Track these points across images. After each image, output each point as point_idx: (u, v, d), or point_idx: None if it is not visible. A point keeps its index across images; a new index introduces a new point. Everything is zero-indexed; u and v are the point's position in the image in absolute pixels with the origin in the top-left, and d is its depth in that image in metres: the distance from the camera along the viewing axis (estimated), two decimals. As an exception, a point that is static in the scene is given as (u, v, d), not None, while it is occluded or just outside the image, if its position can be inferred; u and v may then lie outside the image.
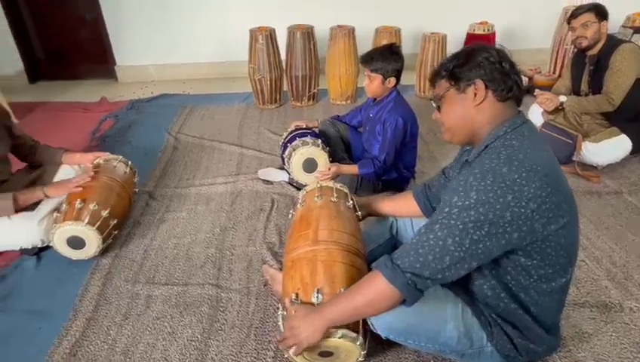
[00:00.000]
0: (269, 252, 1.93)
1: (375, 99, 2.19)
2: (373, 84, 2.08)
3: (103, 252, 1.92)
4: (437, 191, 1.44)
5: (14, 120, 2.22)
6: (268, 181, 2.48)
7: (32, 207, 1.93)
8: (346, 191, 1.59)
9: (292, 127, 2.46)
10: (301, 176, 2.29)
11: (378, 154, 2.13)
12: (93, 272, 1.86)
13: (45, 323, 1.63)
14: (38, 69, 4.38)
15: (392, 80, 2.08)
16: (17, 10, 4.11)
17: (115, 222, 1.92)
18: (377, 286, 1.06)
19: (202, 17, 4.13)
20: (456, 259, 0.99)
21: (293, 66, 3.43)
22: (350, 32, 3.36)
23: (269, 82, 3.42)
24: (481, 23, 3.64)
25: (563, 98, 2.44)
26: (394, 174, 2.23)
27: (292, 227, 1.49)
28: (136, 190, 2.27)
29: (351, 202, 1.53)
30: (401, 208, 1.54)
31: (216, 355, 1.47)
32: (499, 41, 3.90)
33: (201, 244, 2.02)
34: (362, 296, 1.08)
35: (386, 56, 2.05)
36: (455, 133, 1.16)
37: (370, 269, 1.12)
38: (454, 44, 3.86)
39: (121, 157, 2.20)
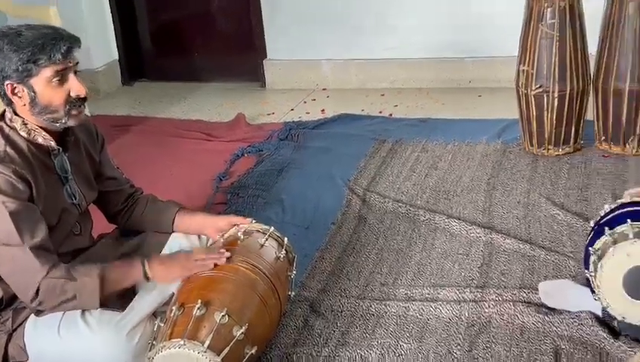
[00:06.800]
0: None
1: None
2: None
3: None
4: None
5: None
6: (550, 308, 2.43)
7: (119, 303, 2.19)
8: None
9: (626, 198, 2.39)
10: (617, 302, 2.19)
11: None
12: None
13: None
14: (140, 60, 5.21)
15: None
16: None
17: (252, 351, 2.04)
18: None
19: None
20: None
21: (611, 72, 3.39)
22: None
23: (556, 102, 3.43)
24: None
25: None
26: None
27: None
28: (291, 294, 2.42)
29: None
30: None
31: None
32: None
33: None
34: None
35: None
36: None
37: None
38: None
39: (272, 229, 2.39)
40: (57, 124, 2.11)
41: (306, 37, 4.77)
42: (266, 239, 2.35)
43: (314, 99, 4.55)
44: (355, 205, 3.24)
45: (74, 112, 2.09)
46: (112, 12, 5.01)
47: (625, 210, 2.30)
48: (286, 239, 2.41)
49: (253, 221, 2.41)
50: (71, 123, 2.11)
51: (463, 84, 4.49)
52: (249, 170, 3.67)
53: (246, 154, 3.85)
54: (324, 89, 4.70)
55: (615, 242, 2.16)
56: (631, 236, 2.14)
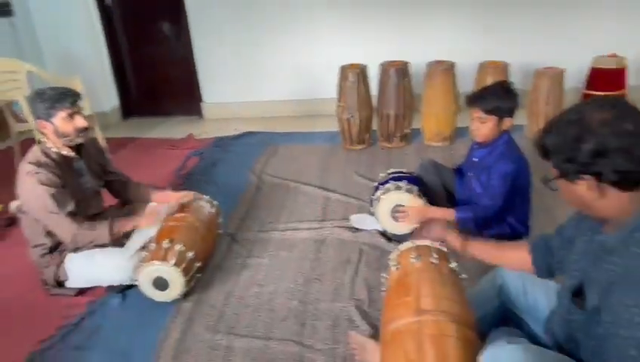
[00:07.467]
0: (357, 311, 1.94)
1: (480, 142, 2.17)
2: (485, 126, 2.06)
3: (185, 295, 2.07)
4: (558, 257, 1.33)
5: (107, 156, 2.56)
6: (357, 229, 2.51)
7: (121, 244, 2.18)
8: (446, 250, 1.58)
9: (390, 170, 2.51)
10: (388, 224, 2.34)
11: (483, 201, 2.10)
12: (174, 316, 2.01)
13: (127, 366, 1.78)
14: (131, 105, 4.98)
15: (509, 121, 2.06)
16: (118, 48, 4.75)
17: (199, 264, 2.08)
18: None
19: (289, 54, 4.43)
20: None
21: (384, 104, 3.51)
22: (449, 68, 3.40)
23: (358, 121, 3.53)
24: (609, 56, 3.48)
25: None
26: (507, 229, 2.16)
27: (388, 293, 1.47)
28: (220, 231, 2.44)
29: (455, 264, 1.51)
30: (509, 259, 1.46)
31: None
32: (632, 76, 3.67)
33: (284, 295, 2.09)
34: None
35: (500, 94, 2.04)
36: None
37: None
38: (576, 80, 3.73)
39: (208, 197, 2.41)
40: (72, 143, 2.08)
41: (224, 89, 4.67)
42: (205, 202, 2.36)
43: (230, 124, 4.50)
44: (254, 181, 3.23)
45: (81, 135, 2.07)
46: (113, 75, 4.76)
47: (390, 176, 2.44)
48: (216, 202, 2.42)
49: (196, 193, 2.40)
50: (79, 141, 2.09)
51: (310, 113, 4.52)
52: (196, 165, 3.60)
53: (194, 156, 3.77)
54: (236, 118, 4.65)
55: (385, 193, 2.30)
56: (392, 189, 2.29)
